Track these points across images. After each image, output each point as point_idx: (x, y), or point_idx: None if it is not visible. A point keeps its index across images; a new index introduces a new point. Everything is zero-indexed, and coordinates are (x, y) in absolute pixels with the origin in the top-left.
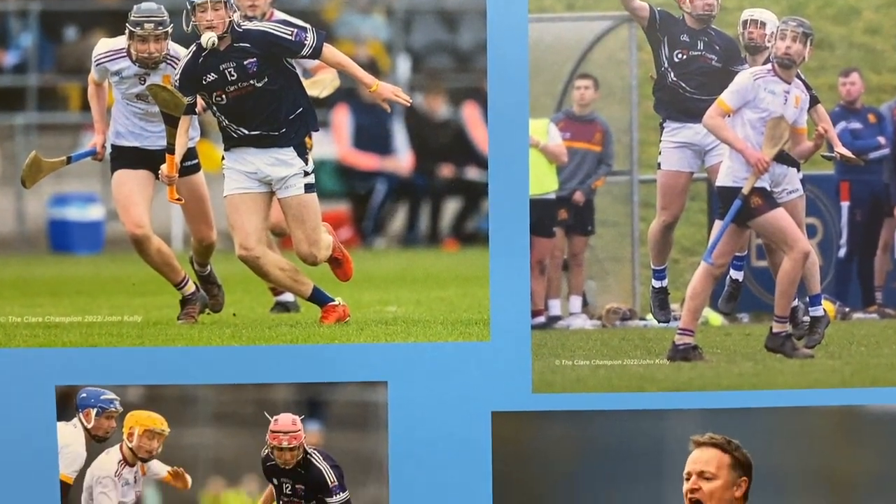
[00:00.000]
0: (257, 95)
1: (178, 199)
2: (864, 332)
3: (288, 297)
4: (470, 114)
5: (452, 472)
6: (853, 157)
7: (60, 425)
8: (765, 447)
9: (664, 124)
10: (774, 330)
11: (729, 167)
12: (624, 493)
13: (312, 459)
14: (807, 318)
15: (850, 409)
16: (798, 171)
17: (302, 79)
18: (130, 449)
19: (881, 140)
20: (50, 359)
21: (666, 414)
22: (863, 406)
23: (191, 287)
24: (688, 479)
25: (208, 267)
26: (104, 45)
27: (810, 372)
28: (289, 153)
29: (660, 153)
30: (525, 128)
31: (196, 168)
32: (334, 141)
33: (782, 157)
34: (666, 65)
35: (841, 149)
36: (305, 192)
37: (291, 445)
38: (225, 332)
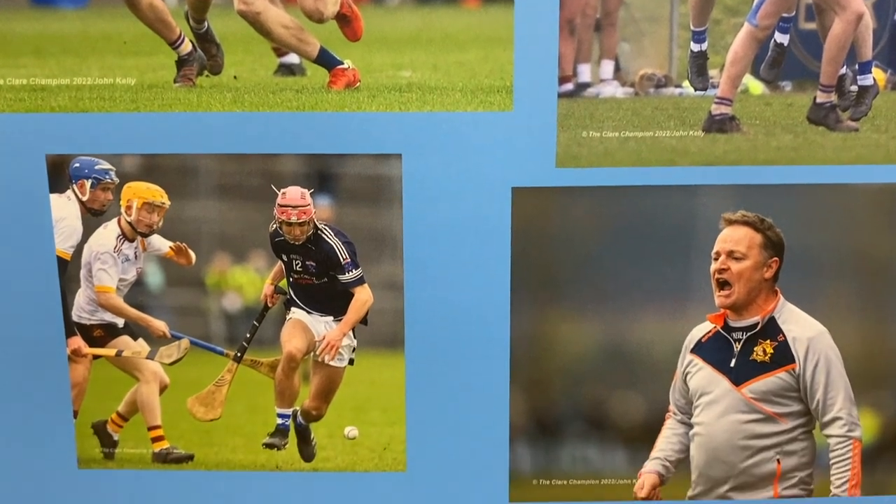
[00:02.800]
0: None
1: None
2: None
3: (293, 58)
4: None
5: (470, 250)
6: None
7: (53, 197)
8: (800, 227)
9: None
10: (818, 100)
11: None
12: (649, 272)
13: (323, 235)
14: (854, 88)
15: (893, 186)
16: None
17: None
18: (129, 223)
19: None
20: (38, 124)
21: (697, 189)
22: None
23: (187, 46)
24: (716, 259)
25: (205, 23)
26: None
27: (854, 146)
28: None
29: None
30: None
31: None
32: None
33: None
34: None
35: None
36: None
37: (300, 220)
38: (226, 96)
